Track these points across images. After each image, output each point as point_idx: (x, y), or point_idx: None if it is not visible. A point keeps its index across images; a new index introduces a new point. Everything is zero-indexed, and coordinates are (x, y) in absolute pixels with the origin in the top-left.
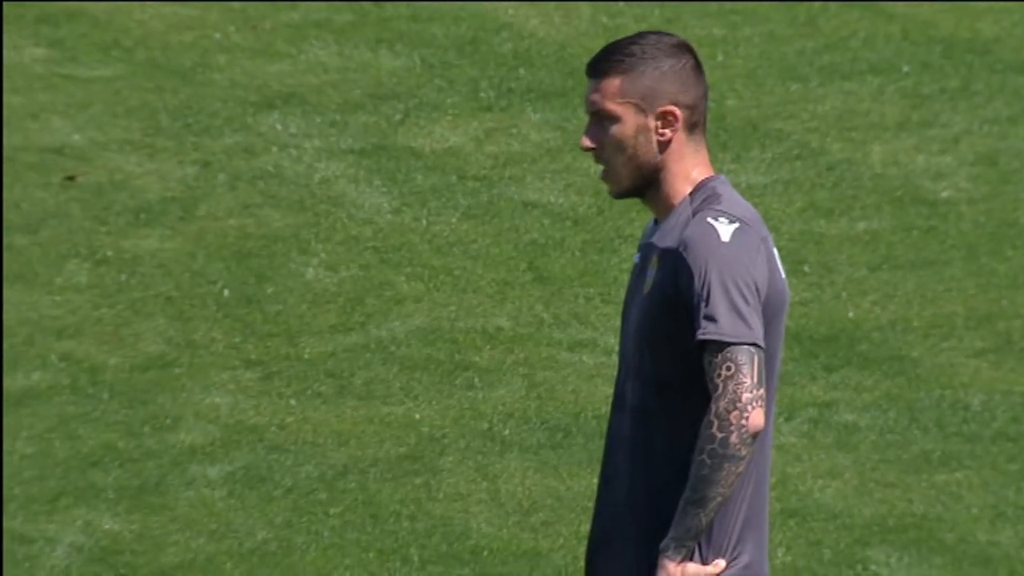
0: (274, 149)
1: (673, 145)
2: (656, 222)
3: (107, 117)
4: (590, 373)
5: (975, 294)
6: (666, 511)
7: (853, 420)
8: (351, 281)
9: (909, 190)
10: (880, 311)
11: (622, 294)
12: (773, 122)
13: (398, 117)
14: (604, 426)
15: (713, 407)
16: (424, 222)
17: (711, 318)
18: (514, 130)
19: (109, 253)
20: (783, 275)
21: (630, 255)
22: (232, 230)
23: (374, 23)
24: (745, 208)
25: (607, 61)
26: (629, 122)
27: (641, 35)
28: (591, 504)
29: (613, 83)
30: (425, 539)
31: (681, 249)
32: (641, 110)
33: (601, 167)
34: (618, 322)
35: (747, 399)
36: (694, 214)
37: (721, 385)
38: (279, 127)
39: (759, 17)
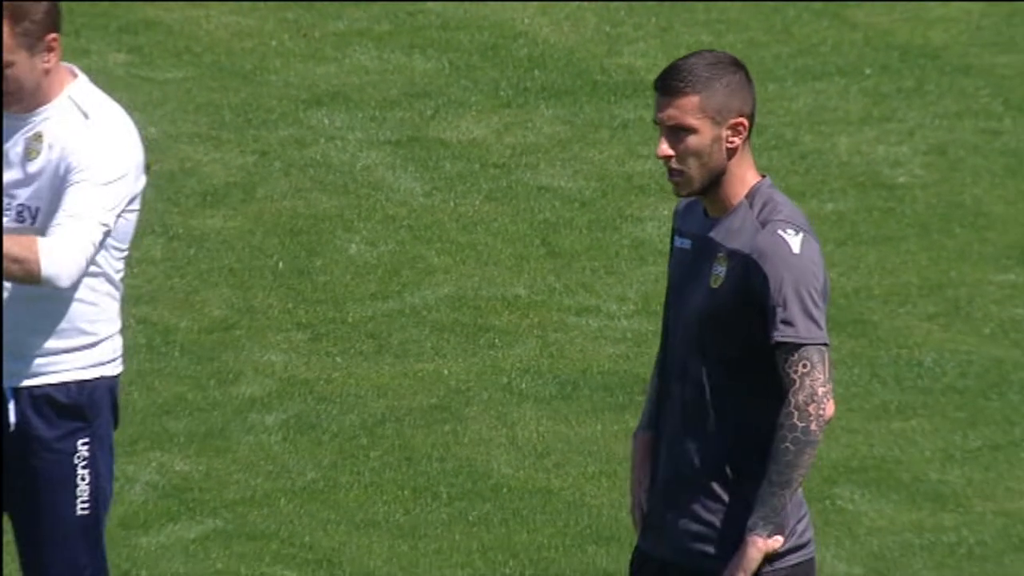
0: (322, 140)
1: (737, 151)
2: (705, 214)
3: (179, 113)
4: (595, 335)
5: (927, 266)
6: (729, 470)
7: None
8: (388, 255)
9: (870, 176)
10: (845, 281)
11: (623, 266)
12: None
13: (429, 112)
14: (607, 380)
15: (792, 400)
16: (451, 204)
17: (788, 322)
18: (529, 124)
19: (180, 230)
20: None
21: (630, 232)
22: (286, 211)
23: (408, 31)
24: (796, 211)
25: (681, 80)
26: (706, 134)
27: (700, 55)
28: (596, 448)
29: (691, 100)
30: (452, 478)
31: (755, 256)
32: (716, 123)
33: (673, 171)
34: (619, 290)
35: (822, 392)
36: (762, 224)
37: (798, 380)
38: (326, 121)
39: (741, 25)
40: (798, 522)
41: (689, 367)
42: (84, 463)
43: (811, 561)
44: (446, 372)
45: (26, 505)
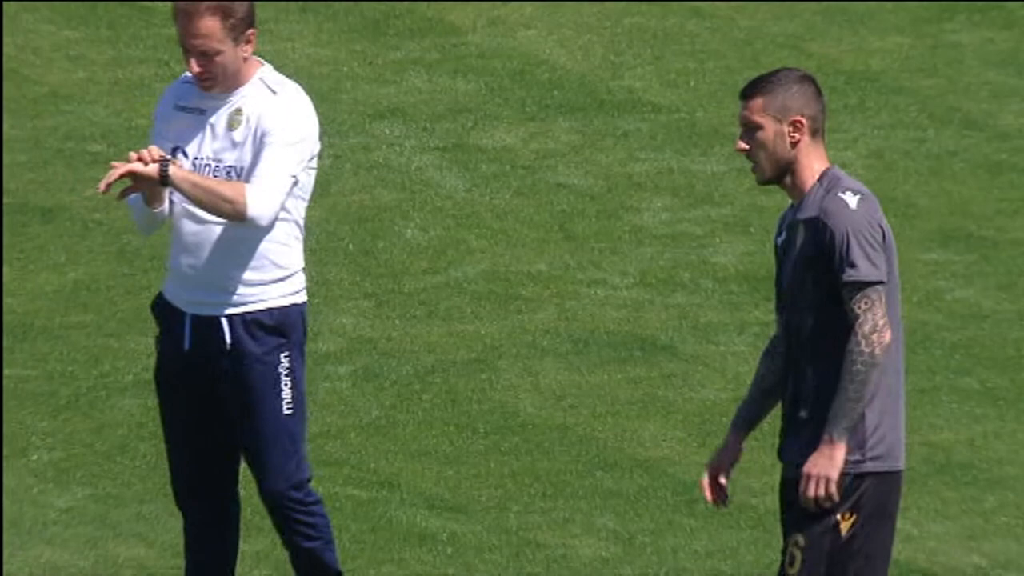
0: (384, 147)
1: (800, 145)
2: (792, 206)
3: None
4: (601, 302)
5: None
6: (826, 397)
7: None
8: (436, 238)
9: None
10: None
11: (624, 247)
12: (728, 128)
13: (469, 124)
14: (612, 339)
15: (859, 330)
16: (487, 198)
17: (852, 264)
18: (549, 133)
19: None
20: (890, 232)
21: (630, 220)
22: (355, 203)
23: (453, 59)
24: (858, 184)
25: (753, 88)
26: (769, 129)
27: (777, 70)
28: (603, 392)
29: (757, 102)
30: (488, 416)
31: (822, 216)
32: (778, 120)
33: (751, 163)
34: (621, 267)
35: (882, 323)
36: (827, 193)
37: (862, 314)
38: (387, 131)
39: (719, 55)
40: (871, 435)
41: (802, 327)
42: (286, 372)
43: (885, 474)
44: (483, 332)
45: (244, 411)
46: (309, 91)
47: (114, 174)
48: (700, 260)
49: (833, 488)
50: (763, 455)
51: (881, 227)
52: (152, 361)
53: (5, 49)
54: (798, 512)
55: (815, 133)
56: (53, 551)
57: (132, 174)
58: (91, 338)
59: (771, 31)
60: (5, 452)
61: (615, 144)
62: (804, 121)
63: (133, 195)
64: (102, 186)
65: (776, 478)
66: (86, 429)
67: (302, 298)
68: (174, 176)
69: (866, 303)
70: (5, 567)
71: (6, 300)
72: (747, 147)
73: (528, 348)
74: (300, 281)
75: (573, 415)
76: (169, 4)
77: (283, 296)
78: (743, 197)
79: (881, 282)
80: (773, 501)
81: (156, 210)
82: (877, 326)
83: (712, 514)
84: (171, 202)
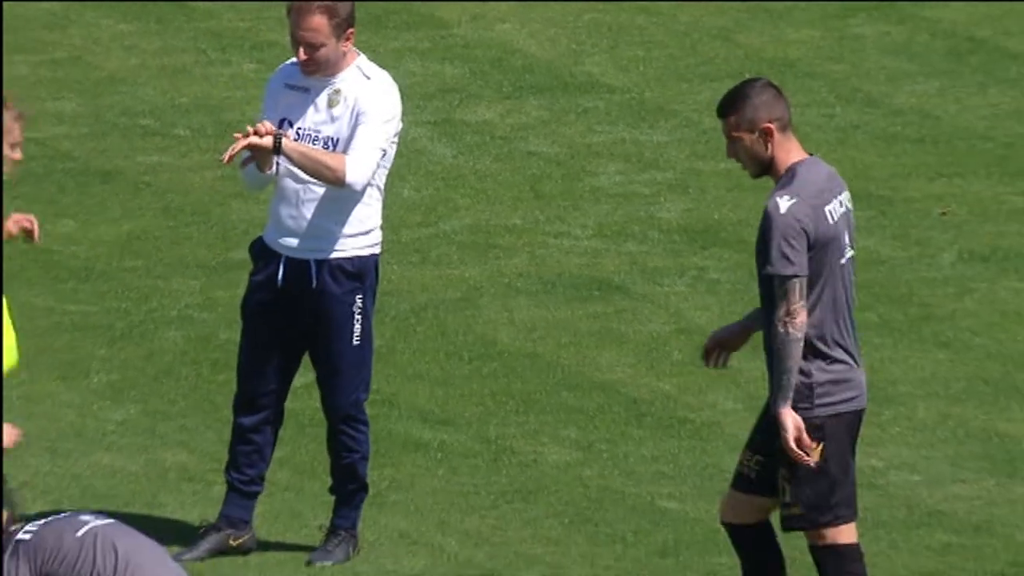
0: None
1: (774, 144)
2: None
3: None
4: (566, 251)
5: None
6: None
7: (716, 277)
8: (428, 198)
9: None
10: (732, 215)
11: (586, 205)
12: (671, 105)
13: (456, 103)
14: (575, 281)
15: (775, 313)
16: (471, 163)
17: (769, 260)
18: (522, 110)
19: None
20: (833, 220)
21: (590, 182)
22: None
23: (441, 48)
24: (810, 184)
25: (724, 108)
26: (746, 139)
27: (740, 84)
28: (567, 326)
29: (731, 120)
30: (472, 346)
31: (763, 215)
32: (750, 131)
33: (740, 164)
34: (585, 220)
35: (795, 308)
36: (773, 192)
37: (777, 301)
38: None
39: (663, 44)
40: (815, 391)
41: (761, 298)
42: (359, 311)
43: (831, 416)
44: (467, 275)
45: (321, 341)
46: None
47: (237, 146)
48: (648, 215)
49: (804, 442)
50: (700, 377)
51: (804, 230)
52: (193, 299)
53: (73, 40)
54: (779, 452)
55: (784, 129)
56: (111, 457)
57: (251, 146)
58: (141, 280)
59: (706, 25)
60: (72, 375)
61: (577, 119)
62: (772, 126)
63: (249, 166)
64: (226, 157)
65: (711, 398)
66: (137, 356)
67: (377, 250)
68: (286, 147)
69: (780, 292)
70: (73, 470)
71: (73, 248)
72: (734, 156)
73: (504, 289)
74: (377, 236)
75: (542, 344)
76: (207, 3)
77: (362, 247)
78: (683, 163)
79: (795, 275)
80: (709, 415)
81: (267, 173)
82: (790, 311)
83: (657, 426)
84: (277, 164)
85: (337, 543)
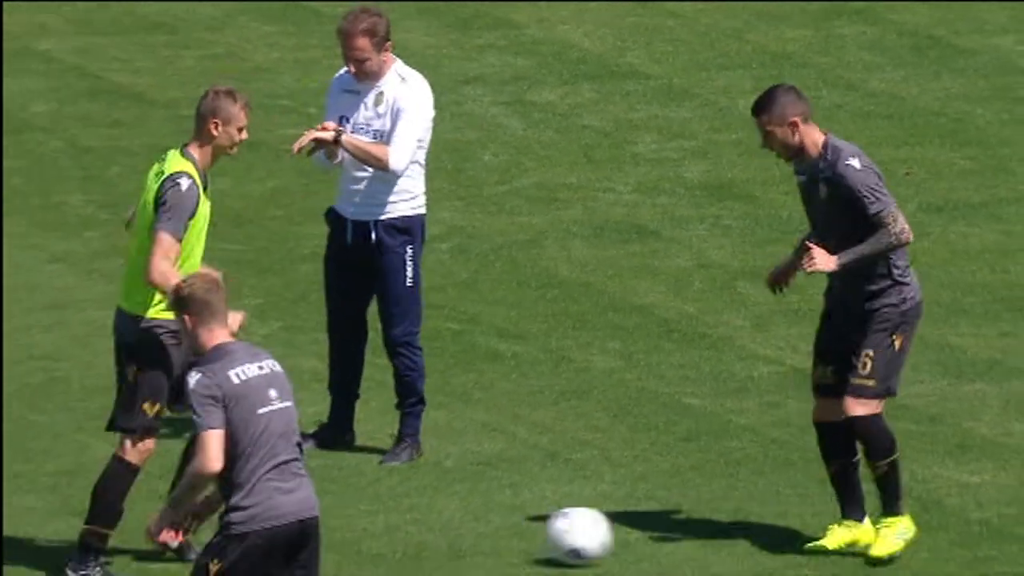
0: (469, 102)
1: (801, 133)
2: (804, 164)
3: None
4: (612, 203)
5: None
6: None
7: (729, 223)
8: (503, 162)
9: None
10: (742, 174)
11: (628, 168)
12: (695, 89)
13: (526, 87)
14: (618, 227)
15: (892, 235)
16: (537, 134)
17: (876, 203)
18: (578, 93)
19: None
20: None
21: (631, 149)
22: (451, 139)
23: (515, 44)
24: (852, 147)
25: (758, 108)
26: (778, 132)
27: (769, 89)
28: (612, 262)
29: (764, 118)
30: (537, 277)
31: (841, 180)
32: (780, 125)
33: (775, 152)
34: (627, 179)
35: (907, 227)
36: (836, 160)
37: (891, 223)
38: (472, 92)
39: (687, 43)
40: (907, 302)
41: (828, 240)
42: (410, 259)
43: (916, 316)
44: (534, 222)
45: (381, 284)
46: (421, 67)
47: (304, 139)
48: (676, 175)
49: (824, 266)
50: (716, 302)
51: (878, 173)
52: (320, 242)
53: (228, 38)
54: (863, 336)
55: (806, 120)
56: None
57: (315, 139)
58: (280, 226)
59: (722, 25)
60: (228, 300)
61: (620, 100)
62: (797, 119)
63: (318, 153)
64: (295, 148)
65: (725, 318)
66: (278, 284)
67: (423, 211)
68: (344, 140)
69: (890, 219)
70: None
71: (228, 201)
72: (769, 146)
73: (563, 233)
74: (422, 200)
75: (592, 276)
76: (333, 5)
77: (410, 209)
78: (704, 134)
79: (893, 204)
80: (724, 331)
81: (335, 161)
82: (904, 228)
83: (682, 340)
84: (341, 153)
85: (404, 448)
